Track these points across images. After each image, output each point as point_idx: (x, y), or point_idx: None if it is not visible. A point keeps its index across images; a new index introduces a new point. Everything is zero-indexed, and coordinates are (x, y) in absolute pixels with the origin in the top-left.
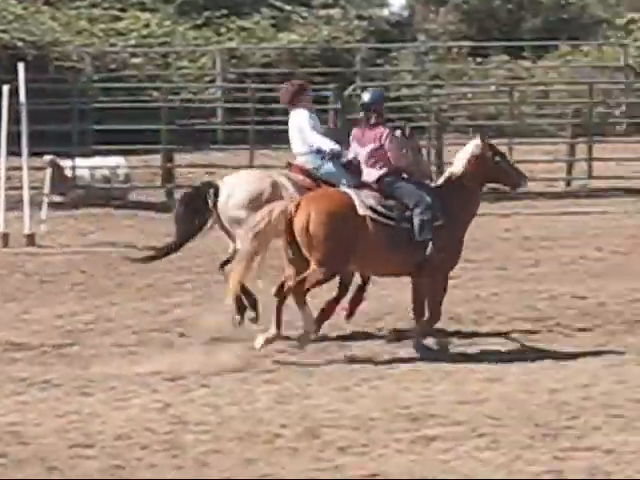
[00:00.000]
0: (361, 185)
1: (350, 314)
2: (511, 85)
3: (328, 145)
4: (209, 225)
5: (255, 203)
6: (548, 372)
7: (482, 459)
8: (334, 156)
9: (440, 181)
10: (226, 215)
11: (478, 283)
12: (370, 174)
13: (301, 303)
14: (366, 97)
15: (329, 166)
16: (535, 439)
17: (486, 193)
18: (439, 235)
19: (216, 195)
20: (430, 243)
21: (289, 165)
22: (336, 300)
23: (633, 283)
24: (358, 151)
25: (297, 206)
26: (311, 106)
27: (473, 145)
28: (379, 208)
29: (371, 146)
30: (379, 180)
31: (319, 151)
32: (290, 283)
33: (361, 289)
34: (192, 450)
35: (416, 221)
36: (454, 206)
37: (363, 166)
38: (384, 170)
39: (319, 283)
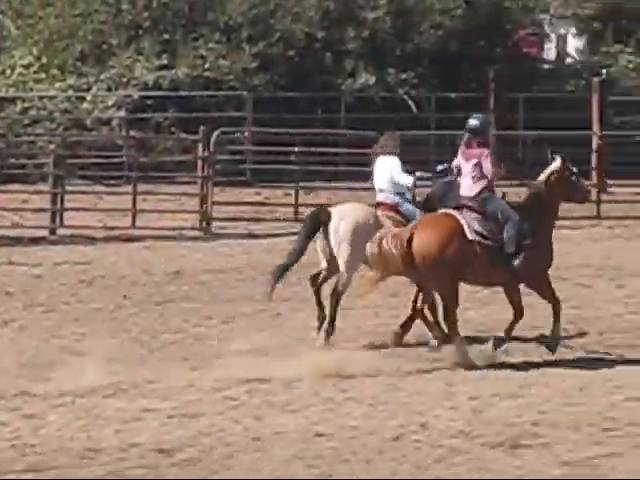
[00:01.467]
0: (459, 206)
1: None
2: None
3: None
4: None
5: (362, 228)
6: None
7: None
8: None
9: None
10: (337, 236)
11: None
12: (470, 188)
13: (455, 335)
14: (474, 123)
15: (407, 204)
16: None
17: None
18: (526, 246)
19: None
20: (516, 255)
21: (378, 204)
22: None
23: None
24: (462, 165)
25: (411, 235)
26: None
27: (553, 166)
28: (485, 233)
29: (474, 161)
30: (477, 194)
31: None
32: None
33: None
34: None
35: (505, 236)
36: (537, 219)
37: (465, 179)
38: (482, 183)
39: (453, 308)
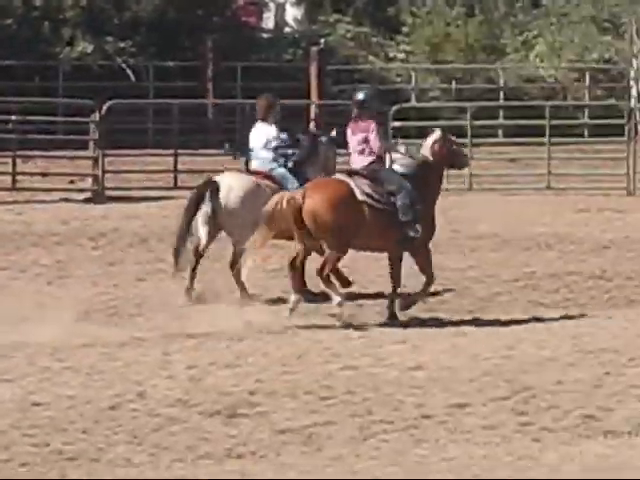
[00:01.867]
0: (351, 172)
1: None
2: None
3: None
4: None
5: (250, 199)
6: None
7: None
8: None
9: (409, 166)
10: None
11: None
12: (358, 161)
13: (327, 283)
14: (360, 95)
15: (280, 169)
16: None
17: None
18: (420, 215)
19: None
20: (414, 223)
21: (253, 171)
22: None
23: None
24: (350, 140)
25: (303, 195)
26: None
27: (434, 137)
28: (374, 195)
29: (362, 135)
30: (366, 166)
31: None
32: (300, 257)
33: None
34: None
35: (400, 205)
36: (425, 187)
37: (353, 154)
38: (370, 158)
39: (336, 262)
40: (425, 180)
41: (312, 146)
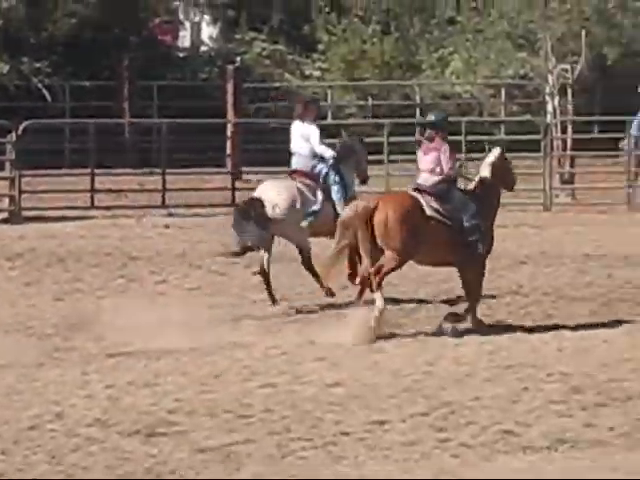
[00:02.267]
0: (420, 189)
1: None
2: None
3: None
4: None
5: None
6: None
7: None
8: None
9: (472, 186)
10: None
11: None
12: (427, 179)
13: (378, 287)
14: (432, 117)
15: (320, 165)
16: None
17: None
18: (482, 235)
19: (263, 207)
20: (479, 243)
21: (292, 172)
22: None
23: None
24: (420, 159)
25: (376, 205)
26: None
27: (494, 155)
28: (441, 211)
29: (433, 155)
30: (435, 184)
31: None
32: (370, 270)
33: None
34: None
35: (467, 225)
36: (486, 206)
37: (423, 172)
38: (439, 178)
39: (393, 269)
40: (485, 199)
41: (349, 147)
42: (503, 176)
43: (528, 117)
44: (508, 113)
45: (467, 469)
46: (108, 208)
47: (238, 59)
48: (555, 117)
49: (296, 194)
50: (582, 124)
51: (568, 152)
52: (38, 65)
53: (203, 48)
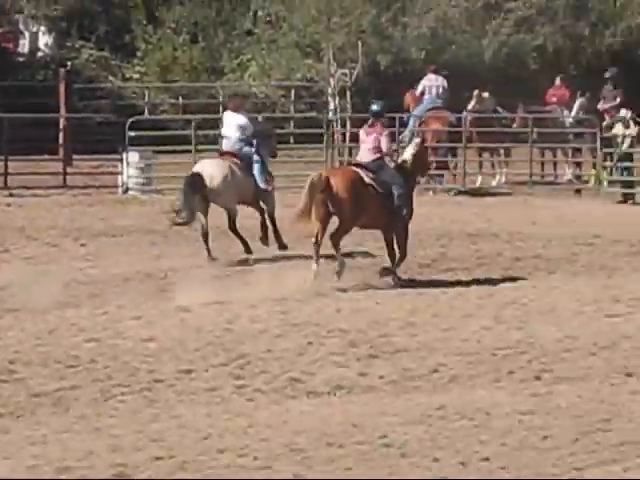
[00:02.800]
0: (357, 164)
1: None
2: None
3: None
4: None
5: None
6: None
7: None
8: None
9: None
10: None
11: None
12: (368, 156)
13: (337, 247)
14: (375, 107)
15: (246, 148)
16: None
17: None
18: (406, 202)
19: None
20: (405, 208)
21: (224, 153)
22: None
23: None
24: (363, 140)
25: (327, 177)
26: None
27: (415, 143)
28: (376, 181)
29: (374, 137)
30: (373, 161)
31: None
32: (320, 234)
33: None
34: None
35: (396, 194)
36: (408, 180)
37: (364, 150)
38: (377, 155)
39: (346, 232)
40: (408, 175)
41: (266, 133)
42: (421, 161)
43: (313, 114)
44: (297, 110)
45: (261, 411)
46: None
47: (69, 64)
48: (336, 114)
49: (228, 170)
50: (359, 120)
51: (347, 144)
52: None
53: (40, 54)
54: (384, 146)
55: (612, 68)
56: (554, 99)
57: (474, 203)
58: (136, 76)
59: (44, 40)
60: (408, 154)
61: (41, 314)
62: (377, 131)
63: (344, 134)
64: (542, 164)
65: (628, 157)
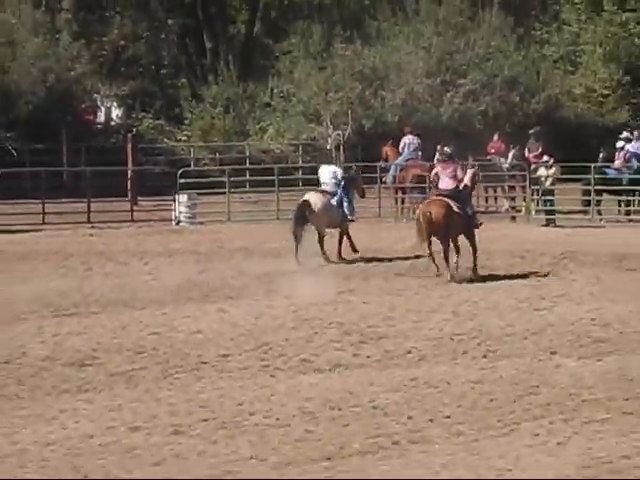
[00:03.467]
0: (440, 193)
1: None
2: None
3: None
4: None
5: (325, 207)
6: None
7: None
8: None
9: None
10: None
11: None
12: (447, 184)
13: (447, 259)
14: (449, 150)
15: (338, 190)
16: None
17: None
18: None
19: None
20: (475, 221)
21: (323, 191)
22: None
23: None
24: (441, 172)
25: (429, 208)
26: None
27: (472, 171)
28: (458, 206)
29: (450, 171)
30: (452, 189)
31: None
32: (430, 247)
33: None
34: None
35: (469, 212)
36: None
37: (443, 181)
38: (456, 184)
39: (446, 249)
40: (468, 197)
41: (352, 178)
42: (473, 185)
43: (316, 164)
44: (304, 161)
45: (280, 384)
46: None
47: (134, 130)
48: (334, 163)
49: (326, 202)
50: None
51: None
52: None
53: (112, 123)
54: (460, 176)
55: (536, 127)
56: (493, 150)
57: None
58: (184, 138)
59: (115, 112)
60: (468, 180)
61: (116, 314)
62: (453, 166)
63: None
64: (486, 198)
65: (550, 192)
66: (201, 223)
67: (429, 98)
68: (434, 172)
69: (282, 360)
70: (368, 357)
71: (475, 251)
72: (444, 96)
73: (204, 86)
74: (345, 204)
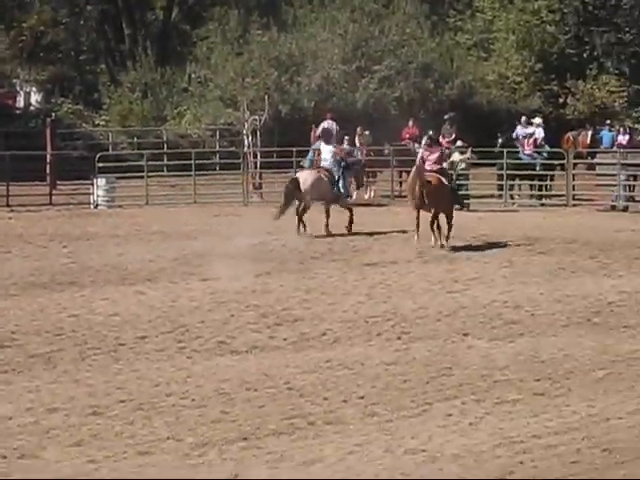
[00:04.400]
0: (431, 171)
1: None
2: None
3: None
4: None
5: (315, 184)
6: None
7: None
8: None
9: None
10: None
11: None
12: (431, 167)
13: (433, 228)
14: (434, 137)
15: (335, 168)
16: None
17: None
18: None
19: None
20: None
21: (319, 167)
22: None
23: None
24: (427, 156)
25: (425, 178)
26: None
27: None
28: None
29: (436, 155)
30: (437, 170)
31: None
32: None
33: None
34: None
35: (454, 186)
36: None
37: (428, 162)
38: (439, 166)
39: (436, 217)
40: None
41: (356, 164)
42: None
43: (233, 148)
44: (221, 146)
45: (196, 366)
46: None
47: (53, 114)
48: (249, 148)
49: (317, 178)
50: (266, 153)
51: (257, 170)
52: None
53: (31, 108)
54: (441, 160)
55: (450, 113)
56: (407, 136)
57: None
58: (102, 123)
59: (34, 97)
60: (457, 158)
61: (35, 297)
62: (439, 152)
63: (255, 162)
64: (400, 183)
65: (464, 176)
66: (119, 206)
67: (345, 84)
68: (419, 156)
69: (199, 342)
70: (284, 339)
71: (451, 227)
72: (359, 82)
73: (122, 71)
74: (341, 182)
